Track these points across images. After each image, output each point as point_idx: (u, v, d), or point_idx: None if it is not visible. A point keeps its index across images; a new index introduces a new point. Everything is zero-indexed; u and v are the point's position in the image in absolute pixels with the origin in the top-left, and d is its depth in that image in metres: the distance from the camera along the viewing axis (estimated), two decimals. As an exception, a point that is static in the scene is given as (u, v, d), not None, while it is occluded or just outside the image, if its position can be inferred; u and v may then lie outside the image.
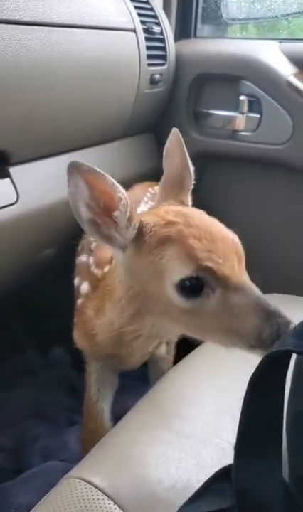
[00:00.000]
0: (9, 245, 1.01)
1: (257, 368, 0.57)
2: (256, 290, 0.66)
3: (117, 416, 1.11)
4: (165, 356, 1.11)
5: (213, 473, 0.69)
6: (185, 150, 0.81)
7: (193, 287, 0.66)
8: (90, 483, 0.70)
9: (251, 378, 0.58)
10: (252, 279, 0.68)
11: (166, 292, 0.68)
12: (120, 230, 0.69)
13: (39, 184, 1.00)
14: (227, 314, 0.66)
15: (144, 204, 1.11)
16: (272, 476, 0.58)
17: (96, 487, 0.70)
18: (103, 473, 0.72)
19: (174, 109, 1.38)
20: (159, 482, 0.71)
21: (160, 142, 1.44)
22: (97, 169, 0.65)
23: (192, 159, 1.42)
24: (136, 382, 1.29)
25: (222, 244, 0.66)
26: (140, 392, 1.38)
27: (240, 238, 0.72)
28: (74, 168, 0.64)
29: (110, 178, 0.66)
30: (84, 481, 0.71)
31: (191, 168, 0.81)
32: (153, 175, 1.39)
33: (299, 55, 1.28)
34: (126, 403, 1.19)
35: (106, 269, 0.87)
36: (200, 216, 0.72)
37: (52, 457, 1.35)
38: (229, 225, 0.73)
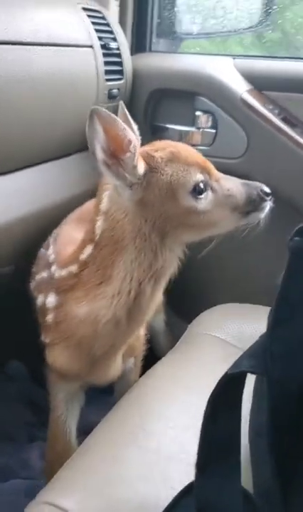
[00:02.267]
0: None
1: (216, 388, 0.59)
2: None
3: (81, 431, 1.11)
4: (132, 368, 1.12)
5: (180, 488, 0.70)
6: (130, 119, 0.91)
7: (202, 188, 0.81)
8: (59, 507, 0.70)
9: (210, 397, 0.60)
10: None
11: (183, 202, 0.81)
12: (129, 169, 0.77)
13: (-1, 201, 1.00)
14: (227, 196, 0.84)
15: None
16: (232, 491, 0.59)
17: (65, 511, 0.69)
18: (72, 496, 0.72)
19: (131, 123, 1.40)
20: (128, 501, 0.71)
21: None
22: (112, 115, 0.74)
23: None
24: (98, 394, 1.29)
25: (197, 153, 0.85)
26: (103, 404, 1.38)
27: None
28: (94, 114, 0.73)
29: (122, 123, 0.75)
30: (54, 505, 0.70)
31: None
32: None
33: (253, 71, 1.31)
34: (89, 417, 1.19)
35: (84, 255, 0.87)
36: (168, 141, 0.87)
37: (13, 476, 1.32)
38: None
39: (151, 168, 0.80)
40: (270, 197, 0.86)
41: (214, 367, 1.04)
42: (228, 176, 0.86)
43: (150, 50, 1.49)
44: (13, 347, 1.64)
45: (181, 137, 1.38)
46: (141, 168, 0.78)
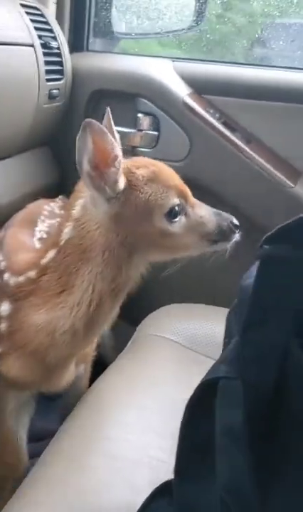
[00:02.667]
0: None
1: (193, 394, 0.60)
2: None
3: (29, 438, 1.08)
4: (82, 374, 1.11)
5: (147, 492, 0.71)
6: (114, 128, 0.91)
7: (177, 211, 0.83)
8: (28, 522, 0.69)
9: (188, 403, 0.61)
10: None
11: (157, 223, 0.82)
12: (110, 184, 0.78)
13: None
14: (199, 223, 0.86)
15: (41, 223, 1.09)
16: (210, 493, 0.61)
17: (34, 526, 0.68)
18: (41, 510, 0.70)
19: (71, 124, 1.37)
20: (99, 509, 0.71)
21: (57, 156, 1.42)
22: (104, 129, 0.75)
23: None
24: (42, 399, 1.26)
25: (177, 176, 0.87)
26: (49, 410, 1.36)
27: None
28: (87, 126, 0.74)
29: (111, 138, 0.76)
30: (22, 520, 0.69)
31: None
32: (53, 189, 1.37)
33: (192, 75, 1.33)
34: (37, 423, 1.17)
35: (45, 259, 0.85)
36: (150, 160, 0.88)
37: None
38: None
39: (131, 185, 0.80)
40: (238, 229, 0.89)
41: (166, 368, 1.06)
42: (202, 204, 0.89)
43: (87, 50, 1.47)
44: None
45: (122, 139, 1.37)
46: (121, 183, 0.79)
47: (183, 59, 1.43)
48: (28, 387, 0.98)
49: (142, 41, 1.66)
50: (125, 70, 1.35)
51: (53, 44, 1.21)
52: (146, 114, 1.33)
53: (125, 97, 1.34)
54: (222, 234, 0.87)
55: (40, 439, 1.25)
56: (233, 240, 0.89)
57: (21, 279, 0.87)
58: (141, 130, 1.34)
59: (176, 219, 0.83)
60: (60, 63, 1.26)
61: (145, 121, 1.33)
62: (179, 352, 1.11)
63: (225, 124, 1.29)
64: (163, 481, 0.72)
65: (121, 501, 0.73)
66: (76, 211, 0.82)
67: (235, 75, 1.32)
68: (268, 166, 1.27)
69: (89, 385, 1.08)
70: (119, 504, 0.72)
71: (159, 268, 1.47)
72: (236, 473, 0.61)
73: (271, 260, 0.56)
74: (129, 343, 1.18)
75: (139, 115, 1.33)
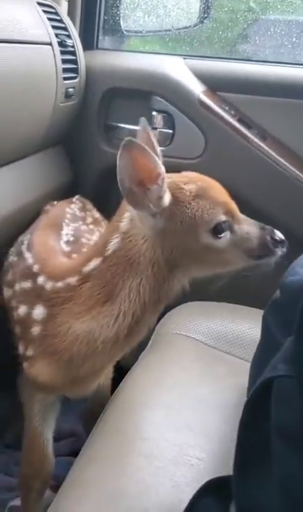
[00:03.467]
0: None
1: (254, 392, 0.61)
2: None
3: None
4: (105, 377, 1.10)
5: (190, 491, 0.71)
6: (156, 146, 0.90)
7: (223, 228, 0.82)
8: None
9: (247, 403, 0.61)
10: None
11: (202, 239, 0.82)
12: (154, 200, 0.78)
13: None
14: (244, 239, 0.85)
15: (66, 226, 1.09)
16: (270, 492, 0.61)
17: (84, 527, 0.68)
18: (87, 509, 0.70)
19: (85, 122, 1.37)
20: (144, 510, 0.71)
21: (70, 155, 1.41)
22: (146, 147, 0.75)
23: (102, 172, 1.43)
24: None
25: (225, 192, 0.86)
26: (70, 411, 1.35)
27: None
28: (128, 146, 0.74)
29: (154, 156, 0.76)
30: (69, 523, 0.69)
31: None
32: (68, 188, 1.37)
33: (205, 72, 1.33)
34: (60, 425, 1.17)
35: (88, 267, 0.85)
36: (199, 175, 0.87)
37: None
38: None
39: (178, 200, 0.81)
40: (284, 244, 0.87)
41: (191, 367, 1.06)
42: (248, 219, 0.87)
43: (97, 48, 1.46)
44: None
45: (136, 137, 1.37)
46: (166, 199, 0.79)
47: (194, 56, 1.43)
48: (56, 391, 0.98)
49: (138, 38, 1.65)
50: (138, 68, 1.35)
51: (68, 42, 1.20)
52: (161, 112, 1.32)
53: (139, 95, 1.34)
54: (267, 249, 0.86)
55: (59, 439, 1.25)
56: (277, 255, 0.86)
57: (60, 284, 0.87)
58: (155, 128, 1.33)
59: (222, 235, 0.82)
60: (75, 61, 1.25)
61: (159, 119, 1.32)
62: (203, 350, 1.11)
63: (240, 121, 1.29)
64: (203, 478, 0.73)
65: (166, 501, 0.73)
66: (124, 224, 0.83)
67: (249, 71, 1.32)
68: (284, 162, 1.27)
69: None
70: (163, 504, 0.72)
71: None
72: (292, 473, 0.61)
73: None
74: (150, 342, 1.18)
75: (154, 113, 1.32)
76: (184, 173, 0.88)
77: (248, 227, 0.86)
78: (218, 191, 0.85)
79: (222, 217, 0.82)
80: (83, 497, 0.74)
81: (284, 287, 0.73)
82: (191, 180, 0.83)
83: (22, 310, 0.92)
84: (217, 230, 0.82)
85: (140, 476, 0.76)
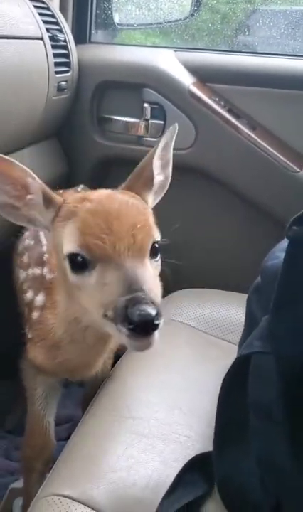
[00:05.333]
0: None
1: (230, 369, 0.64)
2: (136, 271, 0.66)
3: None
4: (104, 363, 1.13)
5: (178, 467, 0.75)
6: (165, 152, 0.85)
7: (78, 262, 0.69)
8: (68, 497, 0.72)
9: (225, 378, 0.64)
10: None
11: (63, 265, 0.72)
12: (40, 211, 0.75)
13: None
14: (101, 291, 0.67)
15: None
16: (247, 461, 0.65)
17: (75, 500, 0.71)
18: (78, 486, 0.74)
19: (78, 115, 1.39)
20: (134, 484, 0.74)
21: (65, 147, 1.44)
22: (6, 157, 0.72)
23: (96, 163, 1.46)
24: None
25: (117, 224, 0.68)
26: (69, 396, 1.39)
27: None
28: None
29: (19, 164, 0.73)
30: (62, 496, 0.72)
31: (157, 171, 0.84)
32: (64, 179, 1.40)
33: (194, 64, 1.35)
34: (60, 411, 1.20)
35: None
36: (114, 197, 0.75)
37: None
38: None
39: (58, 216, 0.75)
40: (134, 329, 0.62)
41: (183, 351, 1.10)
42: (131, 269, 0.66)
43: (90, 41, 1.49)
44: None
45: (128, 129, 1.40)
46: (53, 211, 0.75)
47: (184, 48, 1.46)
48: (53, 375, 1.01)
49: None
50: (130, 61, 1.37)
51: (60, 36, 1.23)
52: (152, 103, 1.35)
53: (130, 88, 1.36)
54: (124, 317, 0.62)
55: (58, 424, 1.28)
56: (124, 332, 0.63)
57: (53, 276, 0.91)
58: (146, 120, 1.36)
59: (80, 270, 0.69)
60: (67, 55, 1.28)
61: (151, 110, 1.35)
62: (195, 335, 1.14)
63: (229, 111, 1.32)
64: (191, 455, 0.76)
65: (154, 475, 0.76)
66: None
67: (238, 63, 1.35)
68: (273, 151, 1.30)
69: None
70: (151, 478, 0.76)
71: (164, 257, 1.50)
72: (269, 446, 0.65)
73: (301, 240, 0.59)
74: (144, 328, 1.21)
75: (145, 105, 1.35)
76: (93, 192, 0.78)
77: (115, 277, 0.66)
78: (101, 217, 0.68)
79: (76, 249, 0.68)
80: (75, 472, 0.77)
81: (265, 271, 0.76)
82: (88, 199, 0.72)
83: (29, 295, 0.97)
84: (71, 261, 0.70)
85: (130, 452, 0.80)
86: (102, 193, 0.77)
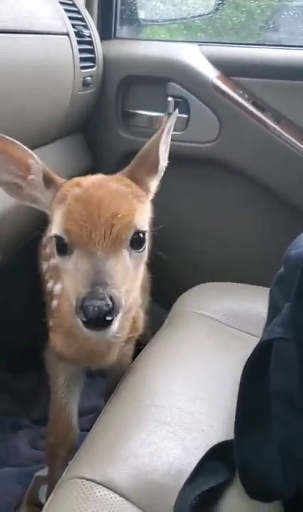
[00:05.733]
0: None
1: (252, 355, 0.64)
2: (106, 262, 0.68)
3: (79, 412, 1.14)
4: (126, 354, 1.15)
5: (199, 454, 0.76)
6: (163, 136, 0.83)
7: (60, 245, 0.72)
8: (91, 480, 0.74)
9: (245, 366, 0.65)
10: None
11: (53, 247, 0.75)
12: (41, 191, 0.78)
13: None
14: (73, 277, 0.70)
15: None
16: (268, 448, 0.65)
17: (98, 483, 0.73)
18: (101, 470, 0.75)
19: (103, 110, 1.41)
20: (155, 469, 0.75)
21: (90, 141, 1.46)
22: (8, 137, 0.74)
23: (121, 158, 1.48)
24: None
25: (97, 212, 0.69)
26: (91, 388, 1.41)
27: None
28: None
29: (21, 144, 0.75)
30: (85, 479, 0.74)
31: (162, 156, 0.84)
32: (88, 174, 1.41)
33: (219, 57, 1.35)
34: (84, 402, 1.22)
35: None
36: (102, 184, 0.75)
37: (2, 464, 1.34)
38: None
39: (55, 199, 0.77)
40: (86, 322, 0.65)
41: (205, 342, 1.11)
42: (101, 259, 0.68)
43: (115, 37, 1.50)
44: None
45: (152, 123, 1.41)
46: (53, 191, 0.78)
47: (208, 42, 1.46)
48: (74, 362, 1.03)
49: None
50: (154, 56, 1.38)
51: (85, 32, 1.25)
52: (176, 97, 1.36)
53: (155, 82, 1.38)
54: (77, 310, 0.66)
55: (82, 414, 1.31)
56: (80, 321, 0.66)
57: None
58: (170, 113, 1.36)
59: (62, 254, 0.72)
60: (92, 51, 1.29)
61: (175, 104, 1.35)
62: (217, 327, 1.15)
63: (254, 104, 1.32)
64: (213, 444, 0.77)
65: (176, 462, 0.77)
66: None
67: (262, 56, 1.34)
68: (298, 144, 1.29)
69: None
70: (173, 465, 0.77)
71: (187, 251, 1.51)
72: (290, 434, 0.65)
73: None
74: (166, 320, 1.22)
75: (169, 99, 1.36)
76: (93, 177, 0.79)
77: (85, 265, 0.68)
78: (84, 204, 0.70)
79: (58, 232, 0.71)
80: (98, 457, 0.79)
81: (288, 260, 0.77)
82: (79, 185, 0.74)
83: (50, 284, 1.01)
84: (56, 244, 0.72)
85: (152, 439, 0.81)
86: (93, 179, 0.78)
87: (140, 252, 0.74)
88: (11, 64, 0.95)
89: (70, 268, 0.70)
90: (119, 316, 0.67)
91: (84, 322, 0.65)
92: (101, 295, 0.64)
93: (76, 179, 0.78)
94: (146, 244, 0.75)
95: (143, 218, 0.75)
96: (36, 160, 0.77)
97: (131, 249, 0.72)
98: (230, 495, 0.71)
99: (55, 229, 0.72)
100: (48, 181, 0.79)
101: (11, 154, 0.76)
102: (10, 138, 0.75)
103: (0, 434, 1.44)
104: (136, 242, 0.72)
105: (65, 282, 0.75)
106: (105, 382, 1.29)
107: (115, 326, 0.67)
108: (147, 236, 0.75)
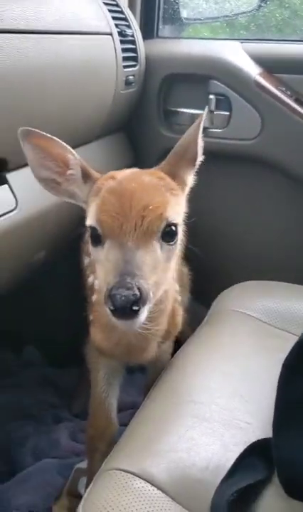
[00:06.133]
0: (7, 251, 1.02)
1: (291, 352, 0.64)
2: (136, 253, 0.69)
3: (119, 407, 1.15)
4: (166, 350, 1.15)
5: (238, 451, 0.75)
6: (200, 131, 0.85)
7: (94, 235, 0.73)
8: (129, 472, 0.75)
9: (286, 361, 0.65)
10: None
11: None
12: (79, 186, 0.80)
13: (35, 189, 1.01)
14: (104, 267, 0.71)
15: None
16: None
17: (137, 475, 0.74)
18: (139, 463, 0.76)
19: (145, 108, 1.42)
20: (193, 464, 0.76)
21: (132, 140, 1.48)
22: (46, 134, 0.75)
23: (162, 156, 1.48)
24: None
25: (129, 204, 0.70)
26: (127, 384, 1.43)
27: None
28: (25, 135, 0.75)
29: (59, 141, 0.77)
30: (124, 471, 0.75)
31: (198, 148, 0.85)
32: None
33: (261, 54, 1.35)
34: (124, 398, 1.24)
35: None
36: (135, 177, 0.77)
37: (43, 456, 1.37)
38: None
39: (91, 191, 0.79)
40: (114, 311, 0.67)
41: (245, 340, 1.10)
42: (131, 251, 0.69)
43: (157, 36, 1.51)
44: (27, 333, 1.68)
45: (194, 121, 1.41)
46: (90, 186, 0.80)
47: (251, 40, 1.45)
48: (112, 356, 1.04)
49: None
50: (196, 54, 1.38)
51: (128, 32, 1.26)
52: (217, 95, 1.36)
53: (196, 80, 1.38)
54: (111, 298, 0.66)
55: (121, 409, 1.32)
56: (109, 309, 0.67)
57: None
58: (212, 111, 1.37)
59: (95, 244, 0.74)
60: (135, 50, 1.31)
61: (216, 102, 1.35)
62: (257, 326, 1.14)
63: (296, 101, 1.30)
64: (251, 441, 0.77)
65: (214, 458, 0.77)
66: None
67: (305, 52, 1.32)
68: None
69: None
70: (212, 460, 0.77)
71: (226, 249, 1.50)
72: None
73: None
74: (206, 318, 1.22)
75: (210, 96, 1.36)
76: (127, 171, 0.82)
77: (115, 255, 0.69)
78: (117, 196, 0.72)
79: (92, 222, 0.73)
80: (136, 450, 0.80)
81: None
82: (113, 178, 0.77)
83: (91, 279, 1.03)
84: (90, 234, 0.74)
85: (190, 434, 0.81)
86: (127, 172, 0.80)
87: (172, 245, 0.74)
88: (55, 64, 0.97)
89: (102, 258, 0.72)
90: (147, 306, 0.68)
91: (111, 311, 0.66)
92: (129, 284, 0.65)
93: (111, 173, 0.80)
94: (179, 238, 0.76)
95: (176, 211, 0.75)
96: (74, 155, 0.79)
97: (162, 241, 0.72)
98: (267, 493, 0.71)
99: (89, 220, 0.74)
100: (86, 176, 0.81)
101: (50, 151, 0.79)
102: (48, 135, 0.77)
103: (42, 426, 1.48)
104: (168, 235, 0.73)
105: (98, 272, 0.77)
106: (145, 378, 1.30)
107: (143, 316, 0.68)
108: (180, 229, 0.76)
